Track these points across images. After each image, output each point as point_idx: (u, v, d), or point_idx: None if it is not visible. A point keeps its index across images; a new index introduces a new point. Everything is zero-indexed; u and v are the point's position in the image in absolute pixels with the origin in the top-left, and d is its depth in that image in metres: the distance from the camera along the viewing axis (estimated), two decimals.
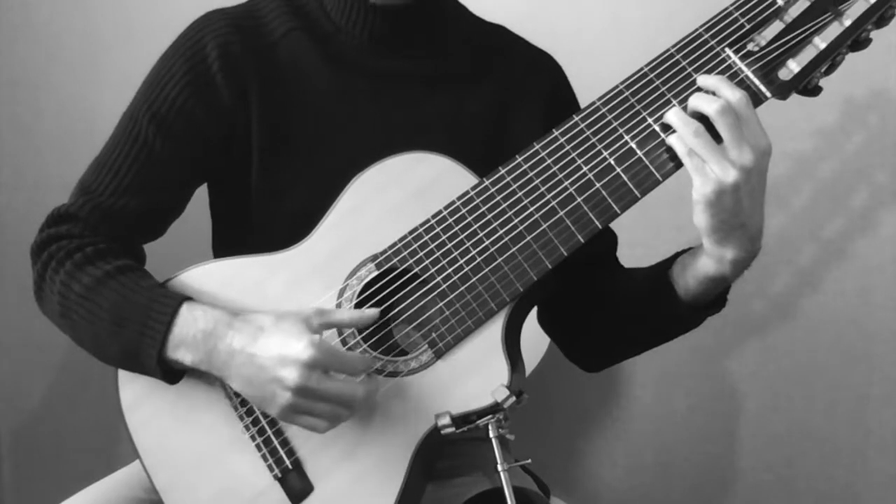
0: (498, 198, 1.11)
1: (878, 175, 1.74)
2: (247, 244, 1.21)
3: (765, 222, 1.08)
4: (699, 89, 1.06)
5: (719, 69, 1.07)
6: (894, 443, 1.78)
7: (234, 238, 1.29)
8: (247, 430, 1.16)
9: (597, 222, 1.09)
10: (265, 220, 1.24)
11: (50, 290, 1.17)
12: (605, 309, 1.26)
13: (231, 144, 1.23)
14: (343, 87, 1.23)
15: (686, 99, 1.07)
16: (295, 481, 1.14)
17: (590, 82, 1.32)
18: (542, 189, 1.10)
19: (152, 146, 1.21)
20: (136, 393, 1.19)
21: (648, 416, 1.91)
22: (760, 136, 1.03)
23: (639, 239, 1.49)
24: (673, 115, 1.05)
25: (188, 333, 1.10)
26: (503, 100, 1.27)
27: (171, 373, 1.14)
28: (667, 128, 1.07)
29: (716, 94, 1.04)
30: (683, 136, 1.04)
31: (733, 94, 1.03)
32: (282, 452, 1.15)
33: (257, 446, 1.15)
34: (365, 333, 1.14)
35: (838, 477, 1.81)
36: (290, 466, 1.14)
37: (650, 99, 1.09)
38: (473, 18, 1.33)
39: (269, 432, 1.15)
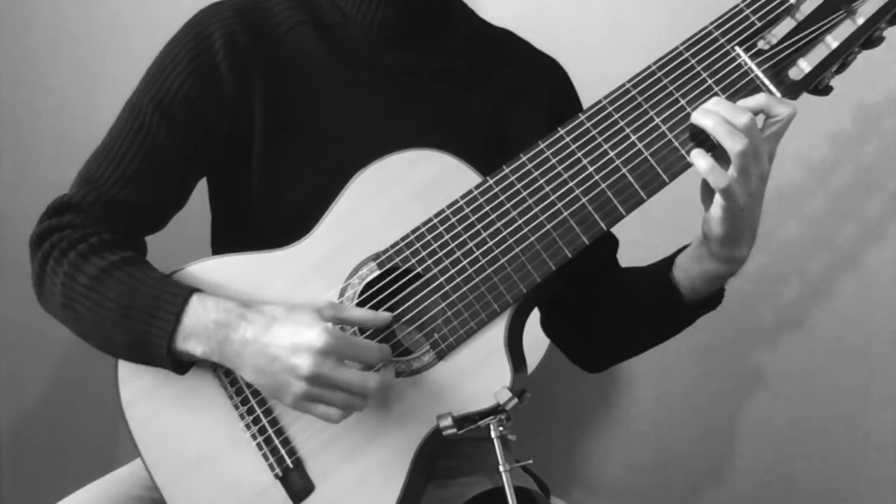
0: (502, 197, 1.11)
1: (889, 181, 1.74)
2: (246, 241, 1.20)
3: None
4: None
5: (729, 68, 1.06)
6: (894, 443, 1.78)
7: (233, 235, 1.28)
8: (247, 429, 1.16)
9: (602, 224, 1.09)
10: (265, 216, 1.24)
11: (51, 281, 1.16)
12: (607, 312, 1.27)
13: (234, 136, 1.22)
14: (348, 82, 1.23)
15: (695, 99, 1.07)
16: (296, 480, 1.14)
17: (591, 81, 1.32)
18: (547, 189, 1.10)
19: (156, 135, 1.20)
20: (137, 391, 1.18)
21: (648, 416, 1.91)
22: (766, 143, 1.05)
23: (639, 239, 1.49)
24: (712, 123, 1.04)
25: (199, 324, 1.09)
26: (507, 102, 1.27)
27: (181, 364, 1.13)
28: (674, 128, 1.07)
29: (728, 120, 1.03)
30: (732, 151, 1.03)
31: (743, 116, 1.02)
32: (283, 451, 1.14)
33: (258, 445, 1.15)
34: (367, 333, 1.13)
35: (838, 477, 1.81)
36: (291, 465, 1.14)
37: (658, 98, 1.08)
38: (480, 21, 1.34)
39: (270, 431, 1.15)
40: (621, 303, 1.26)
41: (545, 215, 1.10)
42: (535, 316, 1.30)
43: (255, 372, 1.08)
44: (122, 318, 1.12)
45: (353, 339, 1.08)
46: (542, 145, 1.11)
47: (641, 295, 1.22)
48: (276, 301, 1.13)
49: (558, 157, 1.10)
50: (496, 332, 1.10)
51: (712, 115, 1.04)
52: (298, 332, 1.05)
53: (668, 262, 1.19)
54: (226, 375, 1.16)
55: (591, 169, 1.09)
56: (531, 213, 1.10)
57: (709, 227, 1.09)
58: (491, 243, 1.11)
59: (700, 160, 1.04)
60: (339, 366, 1.05)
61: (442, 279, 1.11)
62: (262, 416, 1.15)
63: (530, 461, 1.08)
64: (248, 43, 1.21)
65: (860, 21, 1.04)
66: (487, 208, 1.11)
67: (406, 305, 1.14)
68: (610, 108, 1.09)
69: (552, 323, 1.36)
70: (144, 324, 1.11)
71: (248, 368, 1.09)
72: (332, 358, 1.04)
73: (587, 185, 1.09)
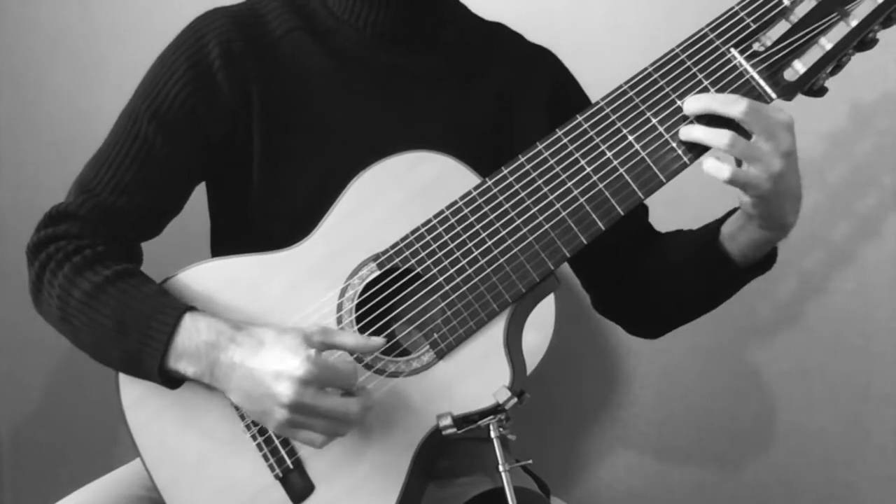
0: (500, 198, 1.11)
1: (885, 178, 1.74)
2: (246, 244, 1.20)
3: None
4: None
5: (724, 69, 1.07)
6: (894, 442, 1.78)
7: (233, 238, 1.29)
8: (247, 430, 1.16)
9: (600, 223, 1.09)
10: (265, 218, 1.24)
11: (48, 294, 1.16)
12: (657, 282, 1.27)
13: (232, 143, 1.22)
14: (345, 84, 1.23)
15: None
16: (296, 481, 1.14)
17: (590, 82, 1.32)
18: (545, 189, 1.10)
19: (152, 144, 1.20)
20: (137, 392, 1.19)
21: (648, 416, 1.91)
22: (781, 115, 1.04)
23: None
24: (700, 132, 1.05)
25: (190, 345, 1.10)
26: (505, 96, 1.28)
27: (173, 380, 1.14)
28: (671, 129, 1.08)
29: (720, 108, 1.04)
30: (720, 147, 1.04)
31: (736, 106, 1.03)
32: (283, 452, 1.15)
33: (258, 445, 1.15)
34: (367, 334, 1.14)
35: (838, 477, 1.81)
36: (291, 466, 1.14)
37: (654, 99, 1.08)
38: (472, 16, 1.34)
39: (270, 432, 1.15)
40: (669, 273, 1.25)
41: (544, 215, 1.10)
42: (534, 315, 1.30)
43: (241, 395, 1.09)
44: (117, 334, 1.12)
45: (335, 367, 1.07)
46: (540, 146, 1.11)
47: (691, 266, 1.22)
48: (276, 303, 1.14)
49: (556, 158, 1.10)
50: (496, 331, 1.11)
51: (697, 119, 1.05)
52: (282, 358, 1.05)
53: (715, 231, 1.18)
54: None
55: (588, 169, 1.09)
56: (530, 214, 1.10)
57: (747, 210, 1.09)
58: (490, 243, 1.11)
59: (704, 160, 1.05)
60: (320, 394, 1.05)
61: (441, 279, 1.12)
62: None
63: (530, 461, 1.08)
64: (243, 50, 1.21)
65: (854, 23, 1.04)
66: (486, 209, 1.11)
67: (406, 305, 1.14)
68: (607, 110, 1.10)
69: (604, 300, 1.37)
70: (138, 342, 1.11)
71: (236, 391, 1.09)
72: (313, 387, 1.04)
73: (585, 185, 1.09)
